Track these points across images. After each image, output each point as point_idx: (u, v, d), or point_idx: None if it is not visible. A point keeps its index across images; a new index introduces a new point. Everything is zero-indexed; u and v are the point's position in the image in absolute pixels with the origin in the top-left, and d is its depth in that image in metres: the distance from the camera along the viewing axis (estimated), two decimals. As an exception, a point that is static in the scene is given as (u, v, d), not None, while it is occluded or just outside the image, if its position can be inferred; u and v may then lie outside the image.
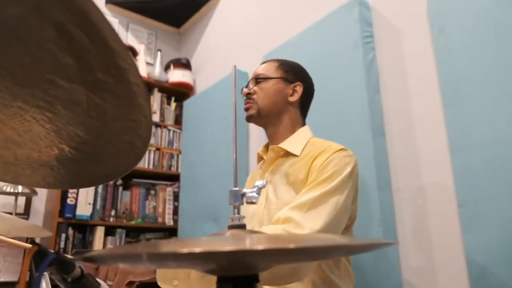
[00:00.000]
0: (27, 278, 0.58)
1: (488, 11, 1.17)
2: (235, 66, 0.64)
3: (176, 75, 2.82)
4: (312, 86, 1.18)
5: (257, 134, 2.06)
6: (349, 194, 0.92)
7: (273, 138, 1.12)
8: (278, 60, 1.16)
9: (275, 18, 2.16)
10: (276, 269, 0.75)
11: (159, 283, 0.84)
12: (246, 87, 1.14)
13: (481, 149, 1.12)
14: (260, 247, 0.30)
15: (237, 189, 0.50)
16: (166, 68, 2.89)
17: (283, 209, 0.91)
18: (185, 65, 2.88)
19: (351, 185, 0.93)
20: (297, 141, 1.07)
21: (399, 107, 1.42)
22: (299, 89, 1.12)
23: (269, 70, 1.13)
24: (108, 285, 0.82)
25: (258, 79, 1.12)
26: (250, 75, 1.18)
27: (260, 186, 0.53)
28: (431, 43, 1.33)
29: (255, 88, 1.11)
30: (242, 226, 0.46)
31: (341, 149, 0.98)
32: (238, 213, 0.48)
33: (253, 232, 0.47)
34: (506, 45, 1.11)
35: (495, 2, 1.16)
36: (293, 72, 1.13)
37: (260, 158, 1.19)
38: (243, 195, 0.50)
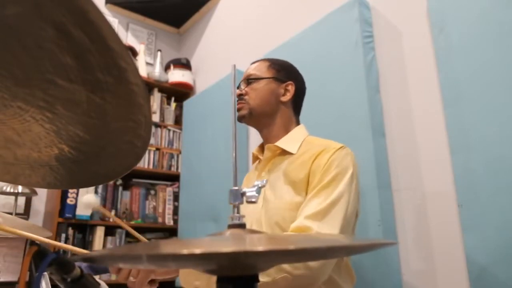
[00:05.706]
0: (27, 278, 0.58)
1: (488, 11, 1.17)
2: (234, 66, 0.64)
3: (176, 75, 2.82)
4: (304, 84, 1.16)
5: (257, 134, 2.05)
6: (355, 193, 0.94)
7: (267, 139, 1.11)
8: (269, 60, 1.14)
9: (275, 18, 2.15)
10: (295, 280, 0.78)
11: (182, 284, 0.84)
12: (238, 88, 1.13)
13: (481, 149, 1.11)
14: (260, 248, 0.30)
15: (237, 188, 0.50)
16: (166, 68, 2.89)
17: (298, 219, 0.90)
18: (185, 65, 2.88)
19: (355, 185, 0.95)
20: (292, 140, 1.06)
21: (399, 107, 1.41)
22: (291, 88, 1.10)
23: (260, 70, 1.11)
24: (131, 282, 0.83)
25: (249, 80, 1.10)
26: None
27: (260, 185, 0.53)
28: (431, 43, 1.33)
29: (246, 89, 1.10)
30: (242, 226, 0.46)
31: (340, 147, 0.98)
32: (238, 212, 0.48)
33: (252, 231, 0.47)
34: (506, 45, 1.11)
35: (495, 2, 1.15)
36: (284, 72, 1.12)
37: (255, 159, 1.18)
38: (243, 194, 0.50)
